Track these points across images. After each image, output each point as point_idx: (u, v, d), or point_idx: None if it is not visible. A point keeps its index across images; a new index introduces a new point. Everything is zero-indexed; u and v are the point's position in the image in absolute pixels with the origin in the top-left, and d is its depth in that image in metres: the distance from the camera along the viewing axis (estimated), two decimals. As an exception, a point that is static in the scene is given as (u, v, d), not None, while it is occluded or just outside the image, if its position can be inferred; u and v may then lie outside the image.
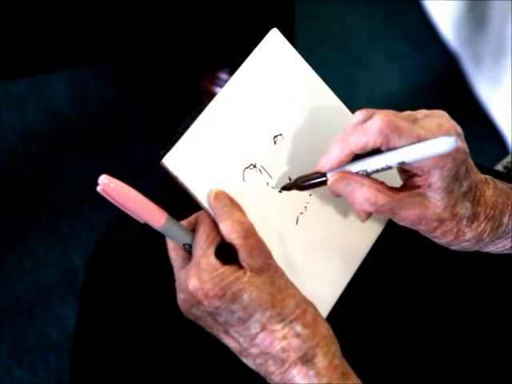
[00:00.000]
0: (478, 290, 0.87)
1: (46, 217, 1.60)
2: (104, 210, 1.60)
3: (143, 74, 1.80)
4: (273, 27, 0.79)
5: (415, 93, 1.87)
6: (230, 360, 0.74)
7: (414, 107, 0.80)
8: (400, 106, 0.78)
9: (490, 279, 0.87)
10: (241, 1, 1.28)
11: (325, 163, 0.73)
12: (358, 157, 0.73)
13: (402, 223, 0.75)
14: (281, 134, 0.78)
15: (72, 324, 1.31)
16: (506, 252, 0.79)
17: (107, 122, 1.73)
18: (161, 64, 1.78)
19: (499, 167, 1.16)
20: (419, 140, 0.70)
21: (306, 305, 0.72)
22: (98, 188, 0.69)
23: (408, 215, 0.73)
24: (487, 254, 0.80)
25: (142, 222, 0.71)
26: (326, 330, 0.72)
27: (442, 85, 1.90)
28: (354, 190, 0.73)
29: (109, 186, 0.69)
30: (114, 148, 1.70)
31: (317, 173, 0.75)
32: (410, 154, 0.71)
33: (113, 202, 0.70)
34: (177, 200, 0.81)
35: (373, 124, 0.71)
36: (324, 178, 0.74)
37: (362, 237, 0.80)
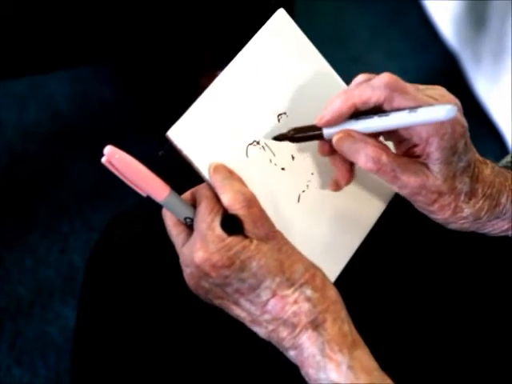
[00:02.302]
0: (479, 271, 0.87)
1: (45, 217, 1.60)
2: (104, 209, 1.60)
3: (143, 74, 1.80)
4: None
5: (415, 92, 1.87)
6: (235, 355, 0.74)
7: (414, 107, 0.80)
8: (399, 106, 0.78)
9: (491, 262, 0.87)
10: (241, 0, 1.28)
11: (324, 114, 0.73)
12: (356, 116, 0.73)
13: (402, 192, 0.75)
14: (285, 113, 0.78)
15: (72, 323, 1.31)
16: (503, 234, 0.79)
17: (107, 121, 1.73)
18: (161, 64, 1.78)
19: (499, 167, 1.16)
20: (423, 104, 0.71)
21: (314, 269, 0.72)
22: (103, 159, 0.68)
23: (409, 181, 0.73)
24: (489, 237, 0.80)
25: (144, 195, 0.71)
26: (334, 294, 0.72)
27: (442, 84, 1.89)
28: (359, 149, 0.73)
29: (114, 156, 0.69)
30: (113, 148, 1.70)
31: (313, 126, 0.75)
32: (412, 116, 0.71)
33: (117, 173, 0.69)
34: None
35: (380, 79, 0.72)
36: (318, 132, 0.74)
37: (365, 214, 0.81)
